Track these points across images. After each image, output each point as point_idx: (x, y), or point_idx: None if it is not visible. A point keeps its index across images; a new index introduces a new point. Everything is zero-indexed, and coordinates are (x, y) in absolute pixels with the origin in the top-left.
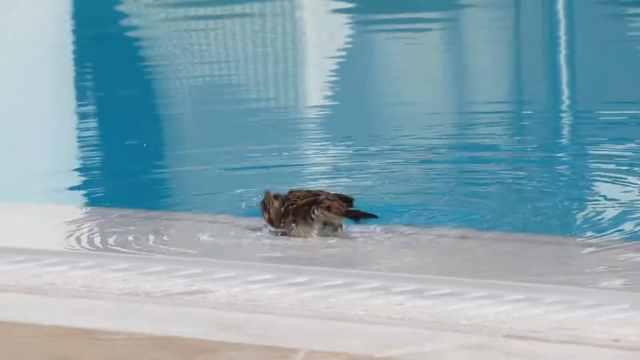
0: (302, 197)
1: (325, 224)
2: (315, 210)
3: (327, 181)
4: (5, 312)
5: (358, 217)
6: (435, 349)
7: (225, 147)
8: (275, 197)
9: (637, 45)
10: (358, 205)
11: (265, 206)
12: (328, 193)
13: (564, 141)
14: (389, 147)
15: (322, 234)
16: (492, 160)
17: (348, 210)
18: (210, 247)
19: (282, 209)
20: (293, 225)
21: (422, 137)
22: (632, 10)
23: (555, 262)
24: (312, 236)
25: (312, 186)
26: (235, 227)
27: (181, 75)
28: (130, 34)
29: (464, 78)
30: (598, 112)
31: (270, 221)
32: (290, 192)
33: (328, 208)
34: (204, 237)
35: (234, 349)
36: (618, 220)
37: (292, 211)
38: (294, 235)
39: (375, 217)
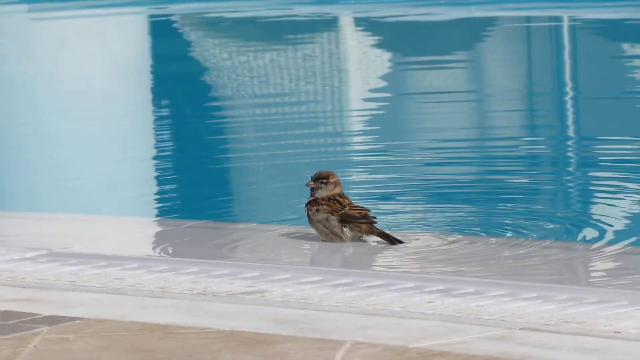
0: (353, 206)
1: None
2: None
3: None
4: (91, 310)
5: (388, 239)
6: (461, 340)
7: (276, 163)
8: (338, 198)
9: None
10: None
11: (320, 198)
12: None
13: (571, 155)
14: (422, 160)
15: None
16: (506, 171)
17: (381, 231)
18: (267, 252)
19: (344, 211)
20: (345, 229)
21: (447, 152)
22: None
23: (564, 264)
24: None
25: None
26: (287, 236)
27: (244, 101)
28: (197, 67)
29: (482, 102)
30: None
31: (332, 212)
32: (340, 196)
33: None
34: (262, 244)
35: (289, 341)
36: (619, 227)
37: (342, 217)
38: (338, 235)
39: (401, 242)
